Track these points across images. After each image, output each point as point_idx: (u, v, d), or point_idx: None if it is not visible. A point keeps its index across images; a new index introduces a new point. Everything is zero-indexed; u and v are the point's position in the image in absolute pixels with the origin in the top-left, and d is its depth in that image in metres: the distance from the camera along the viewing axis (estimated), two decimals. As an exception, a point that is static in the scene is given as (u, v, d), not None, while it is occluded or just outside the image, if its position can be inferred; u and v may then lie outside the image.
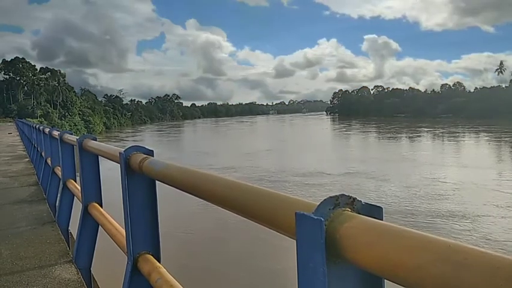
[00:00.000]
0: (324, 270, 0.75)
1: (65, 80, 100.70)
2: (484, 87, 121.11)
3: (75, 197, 4.37)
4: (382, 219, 0.79)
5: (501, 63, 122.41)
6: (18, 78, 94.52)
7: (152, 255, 2.05)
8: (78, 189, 4.09)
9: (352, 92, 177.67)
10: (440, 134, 56.50)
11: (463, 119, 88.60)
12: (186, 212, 14.39)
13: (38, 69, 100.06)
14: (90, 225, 3.33)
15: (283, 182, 21.50)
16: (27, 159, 11.17)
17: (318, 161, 29.04)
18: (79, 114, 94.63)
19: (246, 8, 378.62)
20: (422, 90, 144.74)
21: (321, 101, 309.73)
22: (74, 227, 3.92)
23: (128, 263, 2.07)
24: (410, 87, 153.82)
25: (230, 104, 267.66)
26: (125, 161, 2.03)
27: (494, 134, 51.04)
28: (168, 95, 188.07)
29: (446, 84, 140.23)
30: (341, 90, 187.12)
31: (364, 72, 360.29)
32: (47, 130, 6.94)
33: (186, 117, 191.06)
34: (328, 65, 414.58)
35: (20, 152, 13.90)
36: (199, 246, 11.97)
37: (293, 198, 0.96)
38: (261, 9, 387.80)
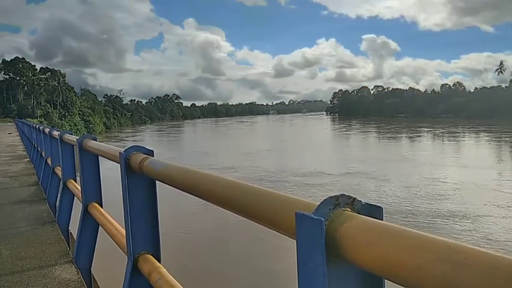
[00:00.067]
0: (324, 270, 0.75)
1: (65, 80, 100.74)
2: (484, 87, 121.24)
3: (75, 197, 4.37)
4: (382, 219, 0.79)
5: (501, 63, 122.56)
6: (18, 78, 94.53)
7: (152, 255, 2.05)
8: (78, 189, 4.09)
9: (352, 92, 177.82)
10: (441, 134, 56.49)
11: (463, 119, 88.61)
12: (186, 212, 14.39)
13: (38, 69, 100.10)
14: (90, 225, 3.33)
15: (283, 182, 21.50)
16: (27, 159, 11.18)
17: (318, 161, 29.04)
18: (79, 114, 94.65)
19: (244, 8, 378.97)
20: (422, 90, 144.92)
21: (321, 101, 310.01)
22: (74, 227, 3.92)
23: (128, 263, 2.07)
24: (410, 87, 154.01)
25: (230, 104, 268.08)
26: (125, 161, 2.03)
27: (495, 134, 51.04)
28: (168, 95, 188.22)
29: (446, 84, 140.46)
30: (341, 90, 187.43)
31: (364, 72, 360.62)
32: (47, 130, 6.94)
33: (186, 117, 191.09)
34: (327, 64, 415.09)
35: (20, 152, 13.90)
36: (199, 246, 11.97)
37: (293, 198, 0.96)
38: (259, 8, 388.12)
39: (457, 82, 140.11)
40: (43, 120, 74.31)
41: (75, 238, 3.68)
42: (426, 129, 66.00)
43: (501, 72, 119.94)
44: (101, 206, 3.36)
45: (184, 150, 47.77)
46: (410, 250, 0.64)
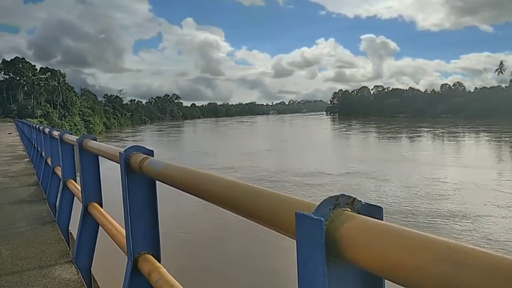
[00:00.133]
0: (324, 270, 0.75)
1: (65, 80, 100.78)
2: (484, 87, 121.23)
3: (75, 197, 4.37)
4: (382, 219, 0.79)
5: (501, 63, 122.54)
6: (18, 78, 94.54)
7: (152, 255, 2.05)
8: (78, 189, 4.09)
9: (352, 92, 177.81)
10: (441, 134, 56.49)
11: (463, 119, 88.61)
12: (186, 212, 14.39)
13: (38, 69, 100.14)
14: (90, 225, 3.33)
15: (284, 182, 21.50)
16: (27, 159, 11.17)
17: (318, 161, 29.04)
18: (79, 114, 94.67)
19: (242, 8, 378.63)
20: (422, 90, 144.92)
21: (321, 101, 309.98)
22: (74, 227, 3.92)
23: (128, 263, 2.07)
24: (410, 87, 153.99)
25: (230, 104, 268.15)
26: (125, 161, 2.03)
27: (495, 134, 51.04)
28: (168, 95, 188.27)
29: (446, 84, 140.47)
30: (341, 90, 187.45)
31: (363, 72, 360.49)
32: (47, 130, 6.94)
33: (186, 117, 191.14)
34: (326, 64, 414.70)
35: (20, 152, 13.90)
36: (199, 246, 11.97)
37: (293, 198, 0.96)
38: (257, 8, 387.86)
39: (457, 82, 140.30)
40: (43, 120, 74.32)
41: (75, 238, 3.68)
42: (426, 129, 66.00)
43: (501, 72, 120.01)
44: (101, 206, 3.36)
45: (184, 150, 47.78)
46: (411, 250, 0.64)
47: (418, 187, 19.47)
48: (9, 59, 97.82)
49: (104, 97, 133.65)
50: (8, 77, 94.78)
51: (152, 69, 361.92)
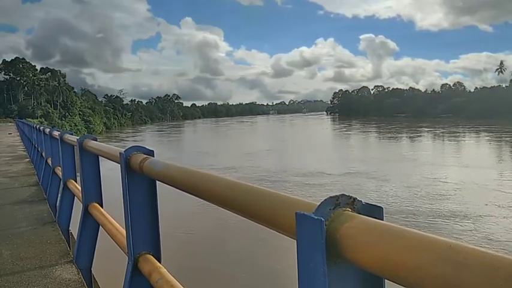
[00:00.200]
0: (325, 270, 0.75)
1: (65, 80, 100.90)
2: (484, 87, 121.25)
3: (75, 197, 4.37)
4: (382, 219, 0.79)
5: (501, 63, 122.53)
6: (18, 78, 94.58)
7: (153, 255, 2.05)
8: (78, 190, 4.09)
9: (352, 92, 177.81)
10: (441, 134, 56.48)
11: (463, 119, 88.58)
12: (186, 212, 14.39)
13: (38, 70, 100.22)
14: (91, 225, 3.33)
15: (284, 182, 21.50)
16: (28, 160, 11.18)
17: (318, 161, 29.04)
18: (79, 114, 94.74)
19: (241, 8, 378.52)
20: (422, 90, 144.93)
21: (321, 101, 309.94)
22: (74, 227, 3.92)
23: (128, 263, 2.07)
24: (410, 87, 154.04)
25: (230, 104, 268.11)
26: (125, 161, 2.03)
27: (495, 134, 51.02)
28: (169, 95, 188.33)
29: (447, 84, 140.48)
30: (341, 90, 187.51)
31: (362, 72, 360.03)
32: (47, 130, 6.94)
33: (187, 117, 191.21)
34: (326, 64, 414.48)
35: (21, 152, 13.91)
36: (199, 246, 11.97)
37: (293, 198, 0.96)
38: (256, 8, 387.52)
39: (457, 82, 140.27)
40: (43, 120, 74.38)
41: (75, 238, 3.68)
42: (426, 129, 65.99)
43: (501, 72, 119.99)
44: (101, 206, 3.36)
45: (184, 150, 47.79)
46: (411, 250, 0.64)
47: (418, 187, 19.46)
48: (8, 59, 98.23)
49: (104, 97, 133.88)
50: (8, 77, 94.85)
51: (151, 69, 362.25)
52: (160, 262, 2.01)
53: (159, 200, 2.08)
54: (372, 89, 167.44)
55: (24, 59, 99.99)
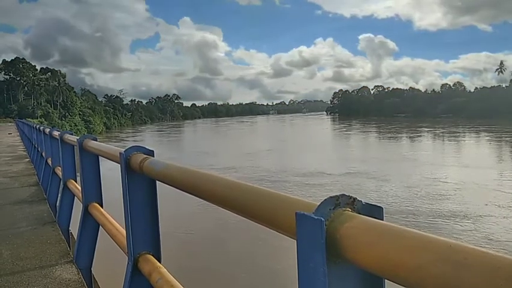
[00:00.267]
0: (325, 270, 0.75)
1: (65, 80, 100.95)
2: (484, 87, 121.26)
3: (75, 197, 4.37)
4: (382, 219, 0.79)
5: (501, 63, 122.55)
6: (18, 78, 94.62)
7: (153, 255, 2.05)
8: (78, 190, 4.09)
9: (352, 92, 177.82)
10: (441, 134, 56.48)
11: (463, 119, 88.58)
12: (186, 212, 14.39)
13: (38, 70, 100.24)
14: (91, 225, 3.33)
15: (284, 182, 21.50)
16: (28, 160, 11.18)
17: (318, 161, 29.04)
18: (79, 114, 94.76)
19: (239, 7, 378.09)
20: (422, 90, 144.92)
21: (321, 101, 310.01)
22: (74, 227, 3.92)
23: (128, 263, 2.07)
24: (410, 87, 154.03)
25: (230, 104, 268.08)
26: (125, 161, 2.03)
27: (495, 134, 51.02)
28: (169, 95, 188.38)
29: (447, 84, 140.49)
30: (341, 90, 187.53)
31: (362, 71, 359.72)
32: (47, 130, 6.94)
33: (187, 117, 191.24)
34: (325, 64, 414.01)
35: (21, 152, 13.90)
36: (199, 246, 11.97)
37: (293, 198, 0.96)
38: (254, 8, 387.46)
39: (457, 82, 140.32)
40: (43, 120, 74.39)
41: (75, 238, 3.68)
42: (426, 129, 65.99)
43: (501, 72, 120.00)
44: (101, 206, 3.36)
45: (184, 150, 47.79)
46: (411, 250, 0.64)
47: (418, 187, 19.46)
48: (8, 59, 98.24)
49: (104, 97, 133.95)
50: (8, 77, 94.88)
51: (150, 69, 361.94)
52: (160, 262, 2.01)
53: (159, 200, 2.08)
54: (372, 89, 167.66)
55: (24, 59, 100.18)
